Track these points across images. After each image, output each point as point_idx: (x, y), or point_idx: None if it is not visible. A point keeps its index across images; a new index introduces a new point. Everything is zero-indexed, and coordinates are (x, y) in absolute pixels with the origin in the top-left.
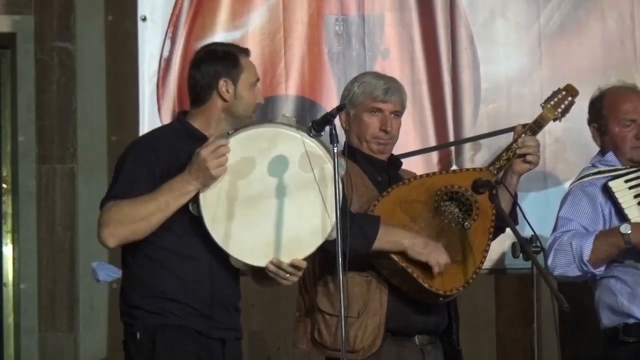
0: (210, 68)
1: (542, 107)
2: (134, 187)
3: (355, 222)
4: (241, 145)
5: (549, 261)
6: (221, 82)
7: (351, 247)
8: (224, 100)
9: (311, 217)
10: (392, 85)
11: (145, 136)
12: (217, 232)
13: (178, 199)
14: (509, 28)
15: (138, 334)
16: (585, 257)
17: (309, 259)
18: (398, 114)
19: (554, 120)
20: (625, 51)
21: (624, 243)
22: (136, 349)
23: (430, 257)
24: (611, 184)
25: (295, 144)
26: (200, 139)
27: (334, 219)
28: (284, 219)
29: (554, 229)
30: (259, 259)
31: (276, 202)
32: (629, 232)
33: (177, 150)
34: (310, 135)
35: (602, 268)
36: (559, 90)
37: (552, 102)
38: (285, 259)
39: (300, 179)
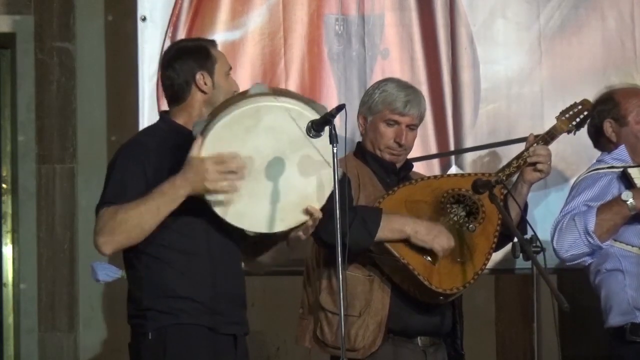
0: (184, 64)
1: (557, 119)
2: (127, 190)
3: (357, 215)
4: (227, 129)
5: (554, 243)
6: (198, 76)
7: (355, 239)
8: (204, 92)
9: (313, 171)
10: (412, 99)
11: (133, 139)
12: (230, 216)
13: (169, 204)
14: (509, 28)
15: (150, 334)
16: (591, 229)
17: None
18: (414, 127)
19: (568, 132)
20: (625, 51)
21: (628, 210)
22: (147, 349)
23: (434, 243)
24: (630, 170)
25: (279, 113)
26: (187, 135)
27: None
28: (288, 184)
29: (557, 215)
30: (275, 226)
31: (277, 170)
32: (631, 199)
33: (166, 149)
34: (309, 136)
35: (608, 242)
36: (575, 104)
37: (567, 115)
38: (300, 217)
39: (293, 141)
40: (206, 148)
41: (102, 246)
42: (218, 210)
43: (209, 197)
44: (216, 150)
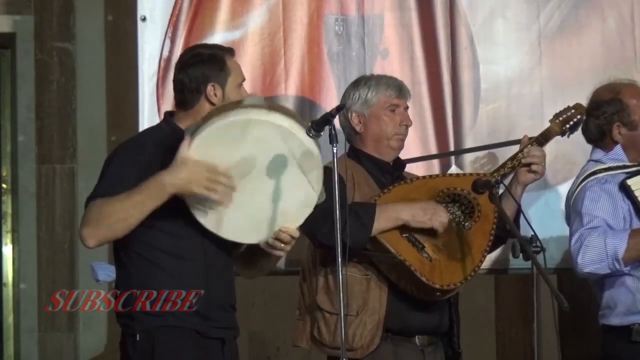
0: (198, 72)
1: (550, 122)
2: (118, 186)
3: (351, 212)
4: (215, 136)
5: (579, 258)
6: (209, 87)
7: (352, 235)
8: (212, 104)
9: (295, 190)
10: (401, 83)
11: (132, 138)
12: (208, 221)
13: (154, 199)
14: (509, 28)
15: (137, 336)
16: (620, 256)
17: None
18: (407, 108)
19: (562, 135)
20: (625, 51)
21: None
22: (135, 350)
23: (434, 221)
24: (629, 181)
25: (268, 128)
26: None
27: (318, 188)
28: (269, 197)
29: (575, 225)
30: (251, 237)
31: (259, 182)
32: None
33: (165, 151)
34: (309, 136)
35: (629, 266)
36: (568, 108)
37: (560, 118)
38: (275, 232)
39: (279, 157)
40: (194, 150)
41: (86, 238)
42: (196, 213)
43: (189, 201)
44: (203, 153)
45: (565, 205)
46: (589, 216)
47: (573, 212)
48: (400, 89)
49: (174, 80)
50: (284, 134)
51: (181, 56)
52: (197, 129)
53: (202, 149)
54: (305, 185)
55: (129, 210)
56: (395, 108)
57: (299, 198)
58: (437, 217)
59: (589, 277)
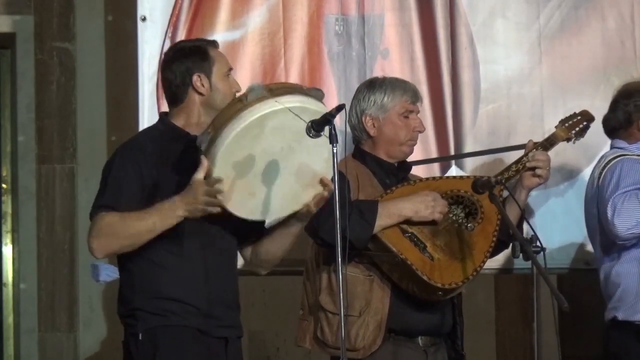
0: (181, 65)
1: (556, 128)
2: (124, 194)
3: (353, 209)
4: (235, 144)
5: (617, 222)
6: (195, 77)
7: (355, 232)
8: (201, 94)
9: (321, 151)
10: (414, 87)
11: (130, 140)
12: (246, 213)
13: (165, 220)
14: (508, 28)
15: (140, 335)
16: None
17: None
18: (418, 113)
19: (567, 140)
20: (625, 51)
21: None
22: (138, 349)
23: (435, 214)
24: None
25: (283, 115)
26: (184, 137)
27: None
28: (297, 168)
29: (608, 194)
30: (292, 207)
31: (287, 161)
32: None
33: (163, 150)
34: (309, 136)
35: None
36: (574, 114)
37: (567, 124)
38: (312, 193)
39: (297, 133)
40: (220, 167)
41: (95, 250)
42: (233, 209)
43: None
44: (231, 166)
45: (587, 188)
46: (623, 182)
47: (603, 188)
48: (415, 94)
49: (161, 79)
50: (298, 112)
51: (165, 54)
52: (211, 143)
53: (227, 162)
54: (326, 146)
55: (140, 230)
56: (410, 114)
57: (325, 156)
58: (437, 208)
59: (626, 240)
